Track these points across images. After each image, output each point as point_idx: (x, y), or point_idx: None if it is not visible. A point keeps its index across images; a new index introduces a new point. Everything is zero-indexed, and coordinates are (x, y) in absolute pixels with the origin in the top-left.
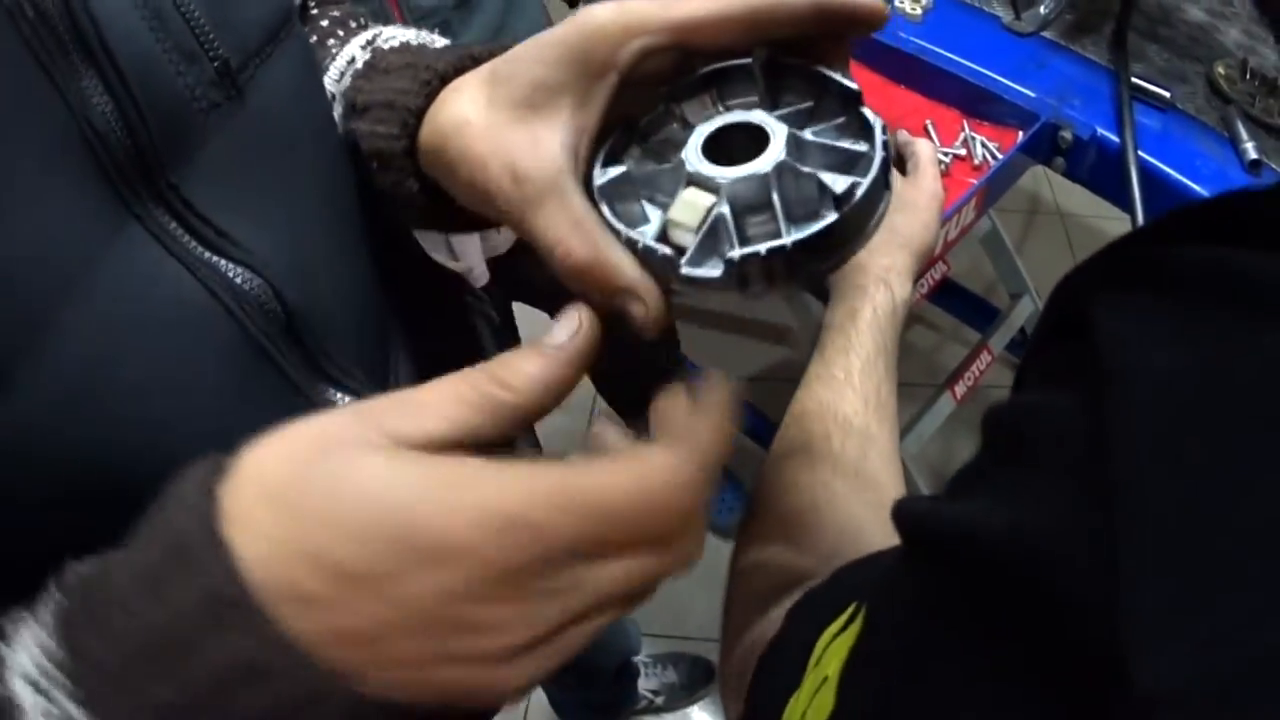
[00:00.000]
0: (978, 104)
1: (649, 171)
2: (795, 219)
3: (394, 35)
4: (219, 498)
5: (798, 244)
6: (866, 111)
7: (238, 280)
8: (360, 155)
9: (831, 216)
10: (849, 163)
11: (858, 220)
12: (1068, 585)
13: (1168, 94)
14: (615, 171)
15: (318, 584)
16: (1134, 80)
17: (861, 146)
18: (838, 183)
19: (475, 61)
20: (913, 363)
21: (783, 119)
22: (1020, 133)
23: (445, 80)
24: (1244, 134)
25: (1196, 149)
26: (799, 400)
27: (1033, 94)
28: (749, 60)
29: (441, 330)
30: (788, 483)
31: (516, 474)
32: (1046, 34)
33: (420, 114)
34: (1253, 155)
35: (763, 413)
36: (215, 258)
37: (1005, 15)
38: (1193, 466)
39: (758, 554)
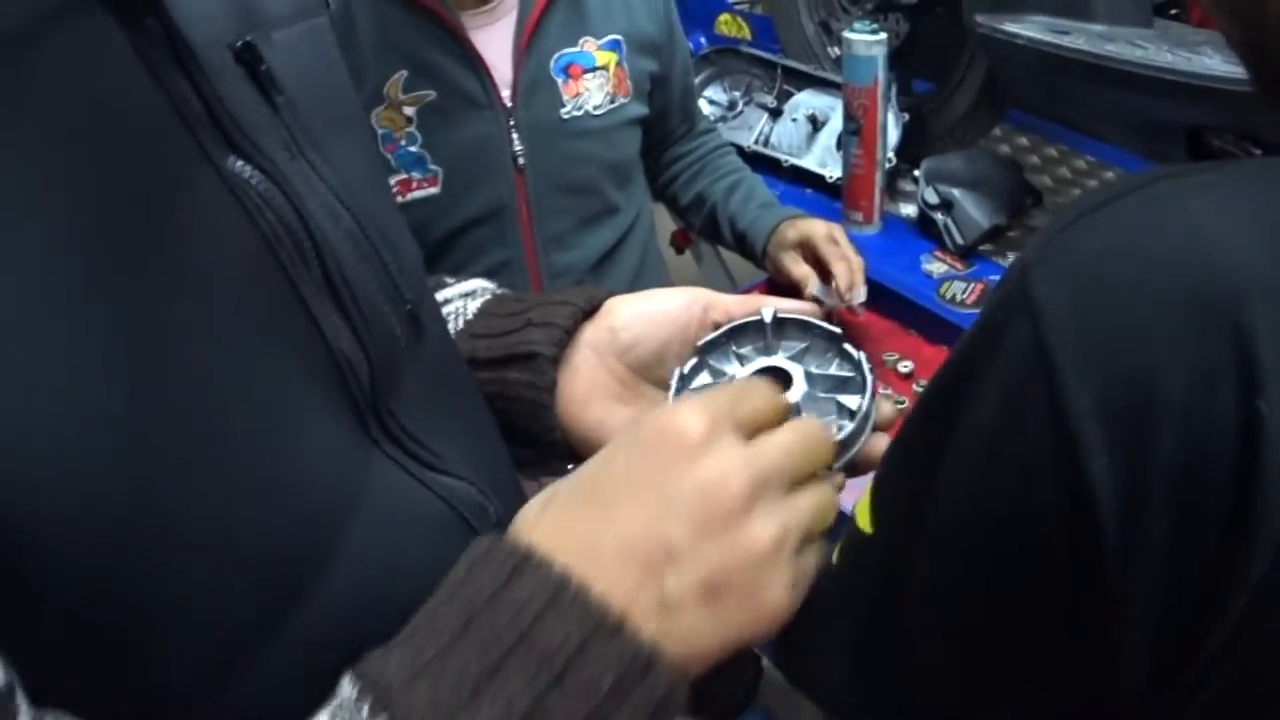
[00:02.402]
0: None
1: None
2: None
3: (483, 287)
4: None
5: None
6: (849, 347)
7: (462, 492)
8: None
9: (849, 426)
10: (842, 385)
11: (863, 427)
12: None
13: None
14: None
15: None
16: None
17: (847, 372)
18: (850, 401)
19: (586, 314)
20: None
21: (792, 359)
22: None
23: (570, 334)
24: None
25: None
26: None
27: None
28: (758, 317)
29: None
30: None
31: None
32: None
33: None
34: None
35: None
36: (437, 474)
37: None
38: None
39: None
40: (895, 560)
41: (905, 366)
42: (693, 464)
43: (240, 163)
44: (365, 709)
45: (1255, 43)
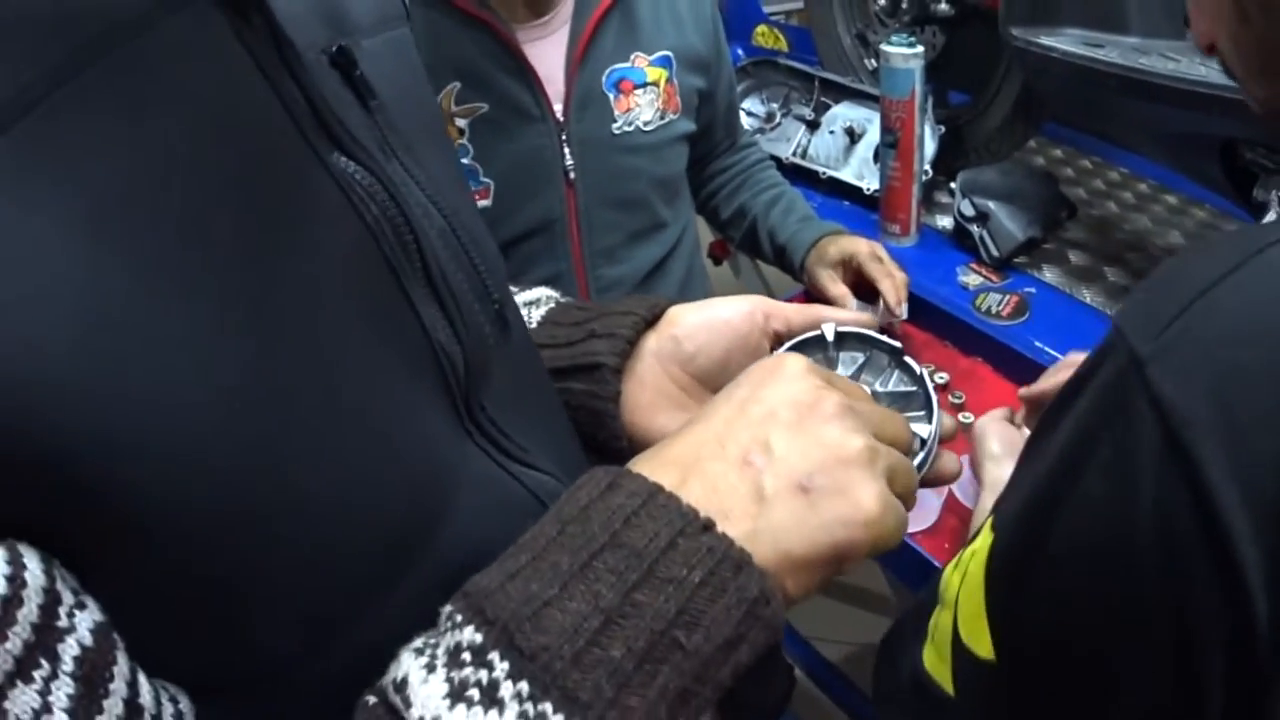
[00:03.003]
0: None
1: None
2: None
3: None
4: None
5: None
6: (910, 360)
7: (548, 485)
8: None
9: (919, 454)
10: (905, 402)
11: (932, 449)
12: None
13: None
14: None
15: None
16: None
17: (908, 386)
18: (921, 429)
19: (648, 323)
20: None
21: (851, 377)
22: None
23: (632, 344)
24: None
25: None
26: None
27: None
28: (818, 332)
29: None
30: None
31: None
32: None
33: (619, 371)
34: None
35: (852, 681)
36: (524, 468)
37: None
38: None
39: None
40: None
41: (941, 378)
42: (792, 385)
43: (344, 159)
44: (459, 616)
45: None
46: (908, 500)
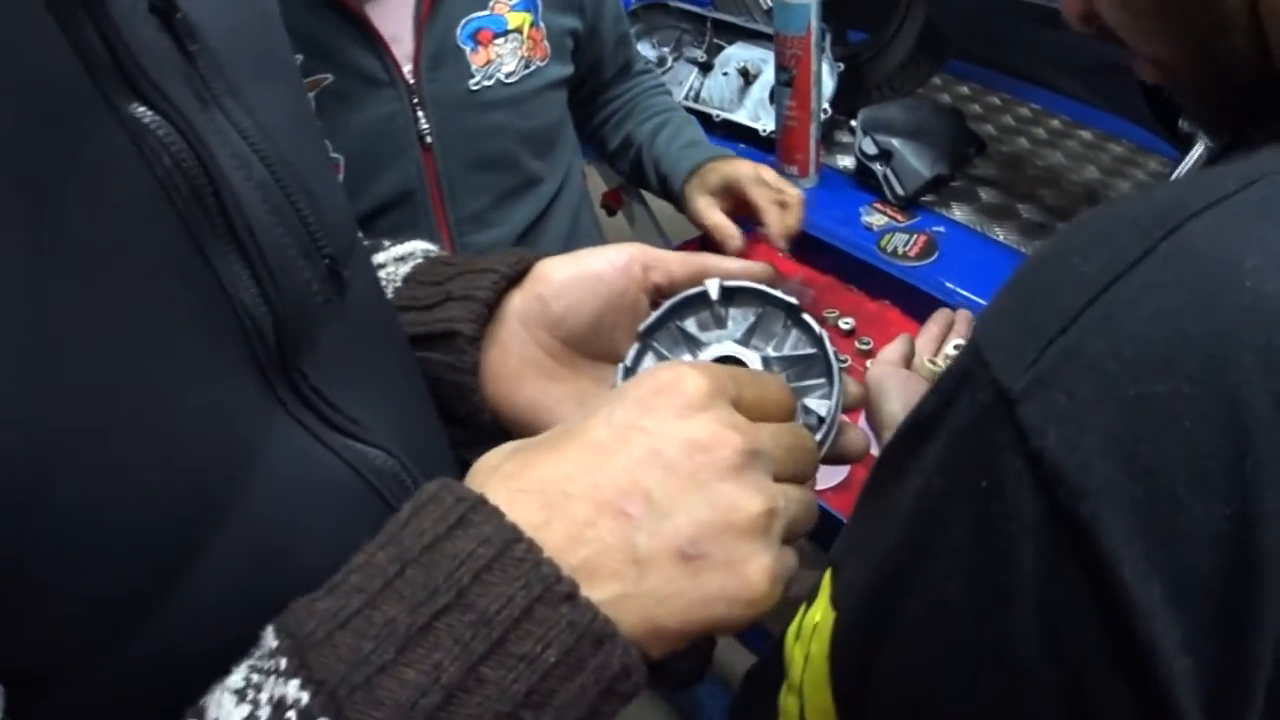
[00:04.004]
0: None
1: None
2: None
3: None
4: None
5: None
6: (807, 318)
7: (376, 461)
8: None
9: (821, 431)
10: (805, 367)
11: (833, 424)
12: None
13: None
14: None
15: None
16: None
17: (807, 349)
18: (820, 406)
19: (511, 281)
20: None
21: (740, 340)
22: None
23: (492, 307)
24: None
25: None
26: None
27: None
28: (703, 288)
29: None
30: None
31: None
32: None
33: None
34: None
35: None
36: (350, 441)
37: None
38: None
39: None
40: None
41: (847, 323)
42: (685, 419)
43: (142, 108)
44: (283, 662)
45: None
46: (802, 533)
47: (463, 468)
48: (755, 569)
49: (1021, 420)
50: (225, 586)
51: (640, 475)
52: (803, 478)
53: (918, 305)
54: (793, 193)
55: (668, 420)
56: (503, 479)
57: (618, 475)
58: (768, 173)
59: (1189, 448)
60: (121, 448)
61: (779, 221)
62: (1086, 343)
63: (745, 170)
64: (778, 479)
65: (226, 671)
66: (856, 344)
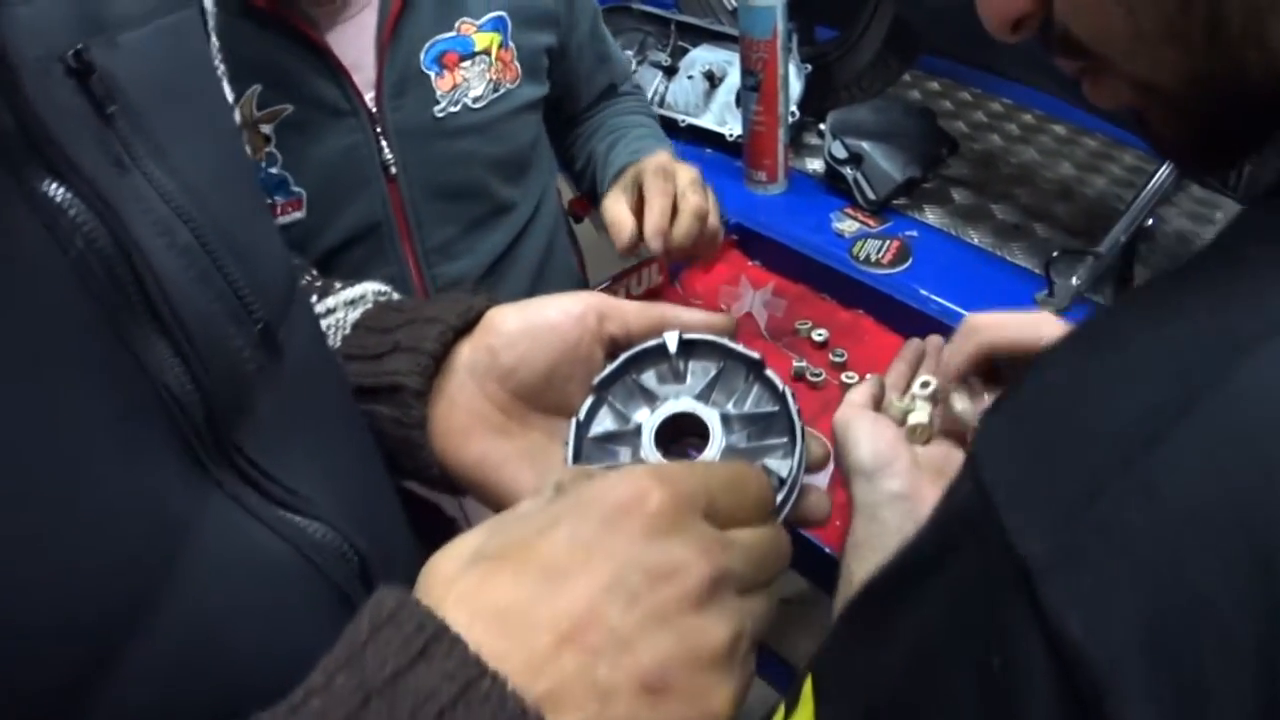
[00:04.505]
0: None
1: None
2: None
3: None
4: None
5: None
6: (772, 375)
7: (316, 535)
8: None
9: (781, 493)
10: (766, 425)
11: (795, 487)
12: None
13: None
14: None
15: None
16: None
17: (769, 406)
18: (781, 468)
19: (459, 332)
20: None
21: (700, 396)
22: None
23: (439, 359)
24: None
25: None
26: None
27: None
28: (661, 340)
29: None
30: None
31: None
32: None
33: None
34: None
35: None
36: (290, 515)
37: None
38: None
39: None
40: None
41: (820, 335)
42: (651, 543)
43: (54, 185)
44: None
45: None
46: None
47: (405, 501)
48: (720, 699)
49: (1043, 600)
50: (161, 671)
51: (602, 605)
52: (772, 580)
53: (892, 314)
54: (691, 200)
55: (633, 542)
56: (460, 600)
57: (579, 604)
58: (681, 168)
59: (1224, 638)
60: (40, 539)
61: (657, 217)
62: (1120, 518)
63: (650, 162)
64: (745, 590)
65: None
66: (830, 356)
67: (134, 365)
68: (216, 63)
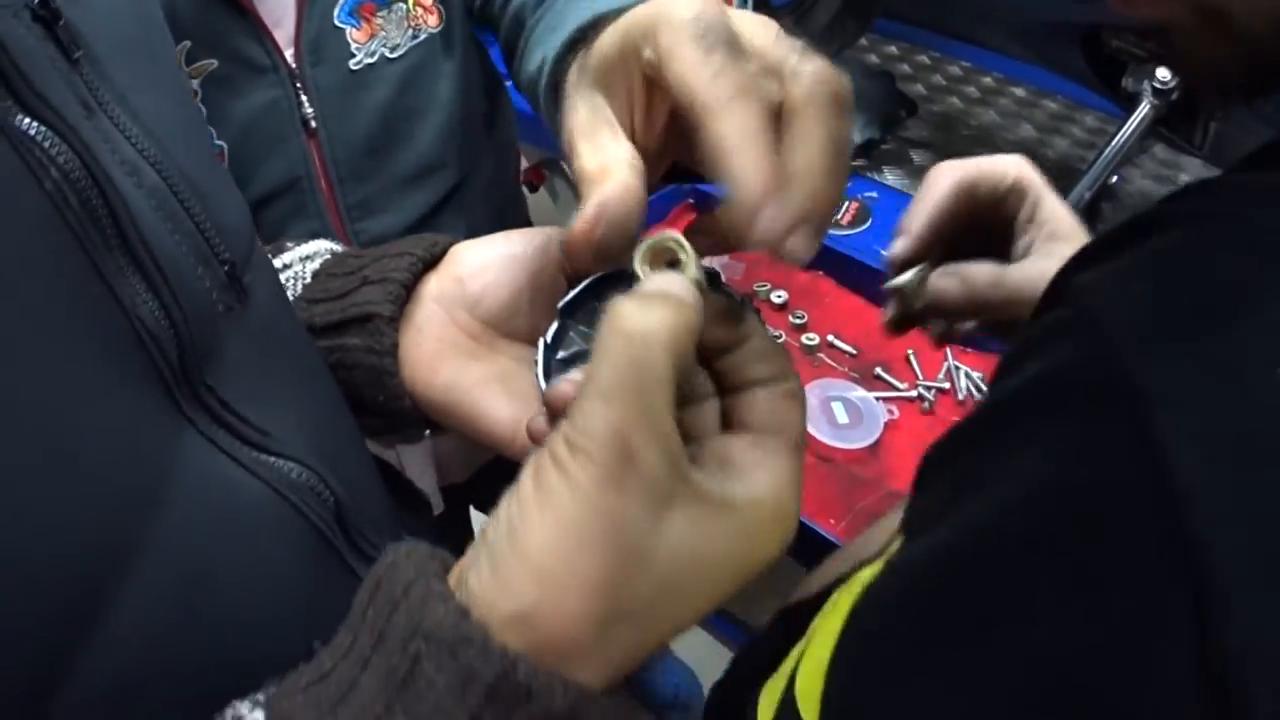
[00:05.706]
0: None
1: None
2: None
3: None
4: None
5: None
6: (727, 286)
7: (292, 474)
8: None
9: None
10: None
11: None
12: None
13: None
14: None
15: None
16: None
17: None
18: None
19: (427, 265)
20: None
21: None
22: None
23: (409, 288)
24: None
25: None
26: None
27: None
28: (622, 267)
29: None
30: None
31: None
32: None
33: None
34: None
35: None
36: (264, 455)
37: None
38: None
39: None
40: None
41: (779, 296)
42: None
43: (27, 120)
44: None
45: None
46: None
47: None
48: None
49: (1159, 427)
50: (152, 614)
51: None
52: None
53: (851, 275)
54: (818, 95)
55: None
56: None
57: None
58: (749, 20)
59: None
60: (22, 471)
61: (752, 161)
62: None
63: (676, 7)
64: None
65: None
66: (790, 318)
67: (109, 298)
68: None
